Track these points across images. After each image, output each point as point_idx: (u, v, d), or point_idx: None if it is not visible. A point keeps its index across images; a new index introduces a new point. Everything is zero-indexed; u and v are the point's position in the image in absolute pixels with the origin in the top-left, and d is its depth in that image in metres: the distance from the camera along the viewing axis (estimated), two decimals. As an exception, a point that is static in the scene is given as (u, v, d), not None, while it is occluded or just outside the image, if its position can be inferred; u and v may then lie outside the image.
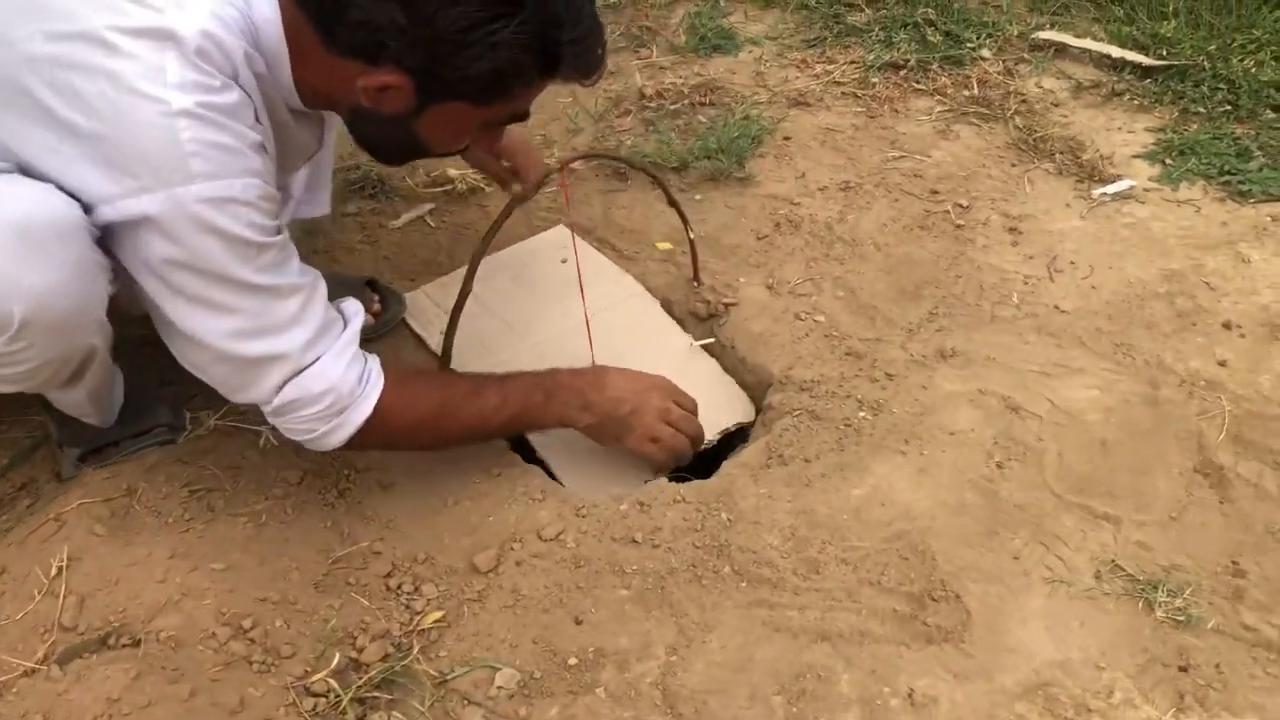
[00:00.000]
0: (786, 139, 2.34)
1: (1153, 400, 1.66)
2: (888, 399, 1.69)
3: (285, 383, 1.32)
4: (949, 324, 1.83)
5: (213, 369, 1.31)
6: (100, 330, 1.34)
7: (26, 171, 1.20)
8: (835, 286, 1.93)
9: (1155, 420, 1.63)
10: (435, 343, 1.82)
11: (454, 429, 1.49)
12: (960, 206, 2.09)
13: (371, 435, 1.40)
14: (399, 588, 1.43)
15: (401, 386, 1.42)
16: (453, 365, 1.63)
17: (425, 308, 1.93)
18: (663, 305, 1.97)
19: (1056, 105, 2.40)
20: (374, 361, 1.41)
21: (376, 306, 1.91)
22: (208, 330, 1.26)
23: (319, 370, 1.33)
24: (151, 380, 1.68)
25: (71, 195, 1.18)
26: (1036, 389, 1.69)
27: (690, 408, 1.61)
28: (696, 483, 1.59)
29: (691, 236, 1.90)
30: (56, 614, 1.27)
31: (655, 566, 1.44)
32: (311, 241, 2.08)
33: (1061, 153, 2.23)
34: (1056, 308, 1.84)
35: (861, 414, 1.67)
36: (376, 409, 1.38)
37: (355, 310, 1.43)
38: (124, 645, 1.24)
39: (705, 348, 1.89)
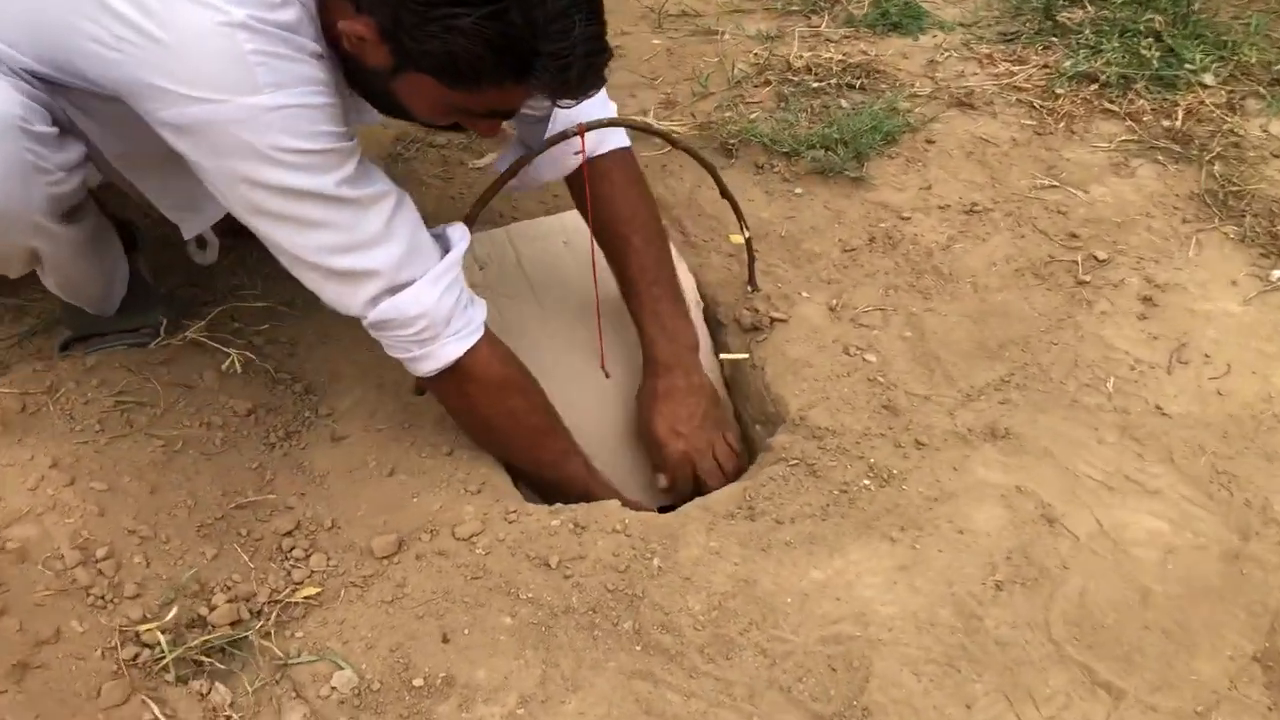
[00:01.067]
0: (929, 142, 2.03)
1: (1235, 554, 1.30)
2: (905, 471, 1.42)
3: (378, 299, 1.30)
4: (1017, 398, 1.51)
5: (308, 278, 1.31)
6: (39, 233, 1.30)
7: (85, 78, 1.21)
8: (905, 324, 1.64)
9: (1227, 580, 1.28)
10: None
11: (520, 424, 1.46)
12: (1095, 260, 1.73)
13: (455, 380, 1.38)
14: (290, 550, 1.34)
15: (498, 345, 1.42)
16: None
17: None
18: (708, 304, 1.75)
19: (1277, 157, 1.95)
20: (479, 307, 1.39)
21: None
22: (295, 244, 1.26)
23: (414, 294, 1.30)
24: (161, 280, 1.66)
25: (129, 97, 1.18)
26: (1088, 502, 1.36)
27: (731, 446, 1.59)
28: (648, 516, 1.40)
29: (747, 236, 1.67)
30: (-78, 498, 1.26)
31: (553, 600, 1.27)
32: (389, 168, 2.00)
33: (1256, 215, 1.80)
34: (1158, 408, 1.48)
35: (865, 482, 1.41)
36: (470, 353, 1.36)
37: (460, 236, 1.39)
38: (-34, 546, 1.22)
39: (734, 363, 1.67)
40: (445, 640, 1.24)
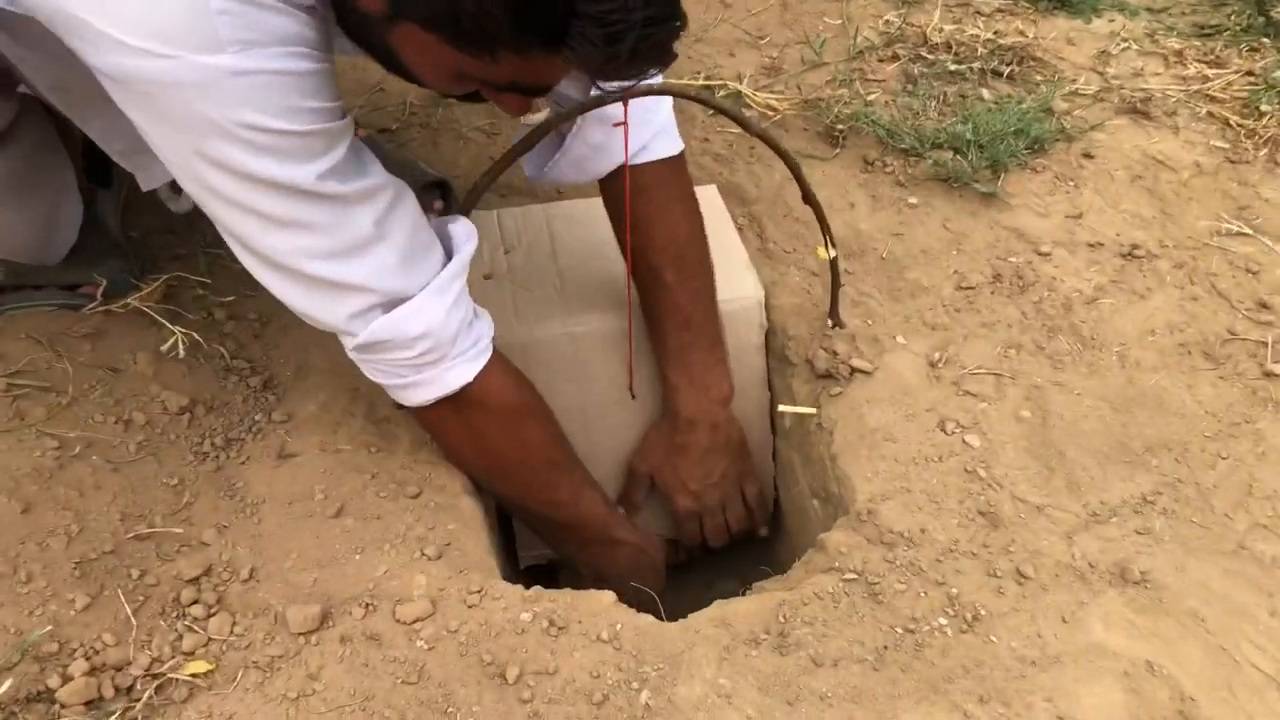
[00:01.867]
0: (1087, 157, 1.62)
1: None
2: (996, 614, 1.06)
3: (367, 314, 1.05)
4: (1162, 529, 1.13)
5: (275, 284, 1.03)
6: None
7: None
8: (1025, 400, 1.27)
9: None
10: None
11: (534, 458, 1.23)
12: (1291, 343, 1.32)
13: (458, 409, 1.14)
14: (189, 606, 1.05)
15: (509, 365, 1.19)
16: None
17: (487, 234, 1.49)
18: (777, 333, 1.40)
19: None
20: (485, 321, 1.15)
21: (435, 214, 1.50)
22: (261, 244, 0.99)
23: (414, 309, 1.05)
24: (133, 224, 1.39)
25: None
26: (1247, 706, 0.98)
27: (749, 503, 1.44)
28: (647, 625, 1.07)
29: (832, 255, 1.30)
30: None
31: (499, 733, 0.96)
32: (408, 121, 1.68)
33: None
34: (1364, 576, 1.08)
35: (942, 621, 1.06)
36: (480, 377, 1.12)
37: (466, 234, 1.13)
38: None
39: (794, 416, 1.32)
40: (350, 769, 0.95)
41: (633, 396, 1.40)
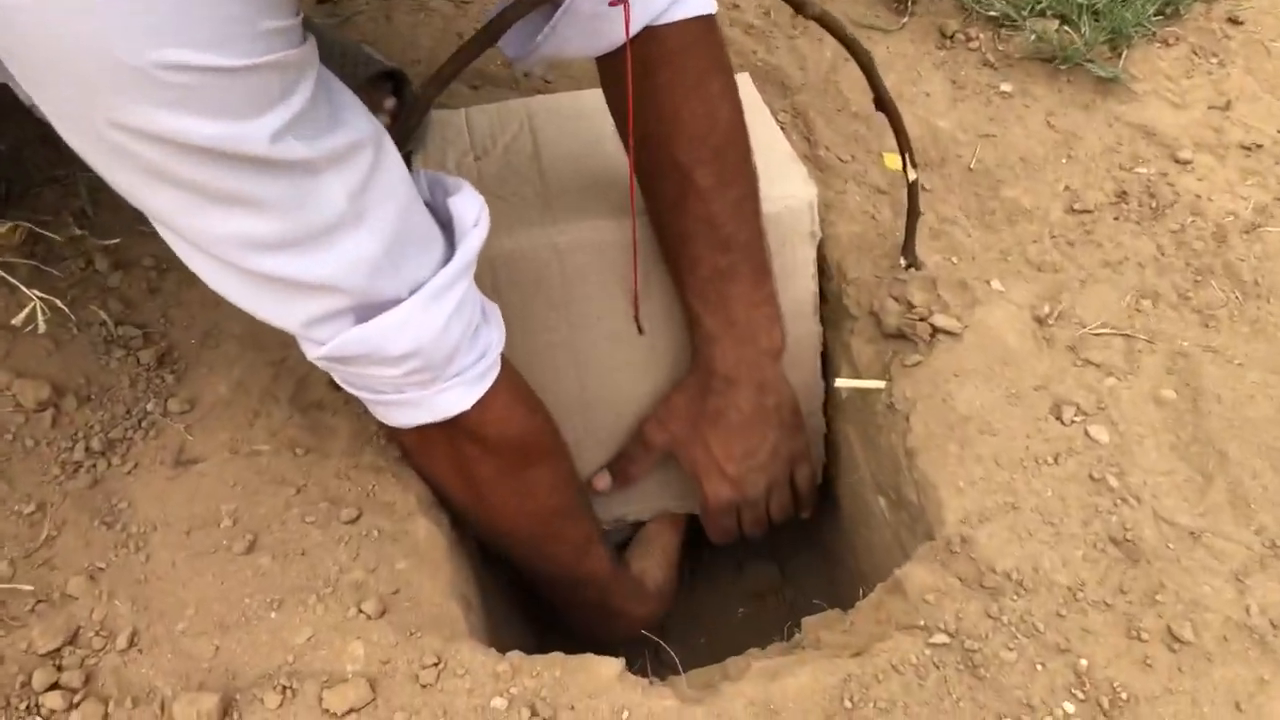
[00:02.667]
0: (1233, 23, 1.25)
1: None
2: (1144, 696, 0.77)
3: (336, 320, 0.76)
4: (1372, 569, 0.83)
5: (216, 280, 0.74)
6: None
7: None
8: (1167, 373, 0.95)
9: None
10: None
11: (537, 505, 0.97)
12: None
13: (450, 438, 0.88)
14: (44, 691, 0.77)
15: (519, 386, 0.92)
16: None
17: (452, 138, 1.15)
18: (833, 275, 1.08)
19: None
20: (494, 327, 0.87)
21: (384, 116, 1.17)
22: (195, 229, 0.70)
23: (402, 318, 0.77)
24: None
25: None
26: None
27: (799, 489, 1.12)
28: (666, 708, 0.79)
29: (913, 178, 0.96)
30: None
31: None
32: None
33: None
34: None
35: (1069, 708, 0.77)
36: (481, 405, 0.85)
37: (473, 210, 0.82)
38: None
39: (854, 392, 1.02)
40: None
41: (640, 330, 1.08)
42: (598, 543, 1.03)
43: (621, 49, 0.87)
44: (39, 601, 0.82)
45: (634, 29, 0.87)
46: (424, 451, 0.91)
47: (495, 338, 0.86)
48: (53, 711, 0.77)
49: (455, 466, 0.90)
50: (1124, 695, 0.77)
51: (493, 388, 0.85)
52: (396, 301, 0.76)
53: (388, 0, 1.33)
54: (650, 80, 0.89)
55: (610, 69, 0.94)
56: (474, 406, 0.84)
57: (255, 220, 0.68)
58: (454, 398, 0.84)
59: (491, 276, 1.03)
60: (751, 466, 1.06)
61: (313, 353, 0.79)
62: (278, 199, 0.68)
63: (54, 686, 0.78)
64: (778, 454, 1.07)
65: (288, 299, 0.74)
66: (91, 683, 0.79)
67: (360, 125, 0.72)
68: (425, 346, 0.79)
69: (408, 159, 1.12)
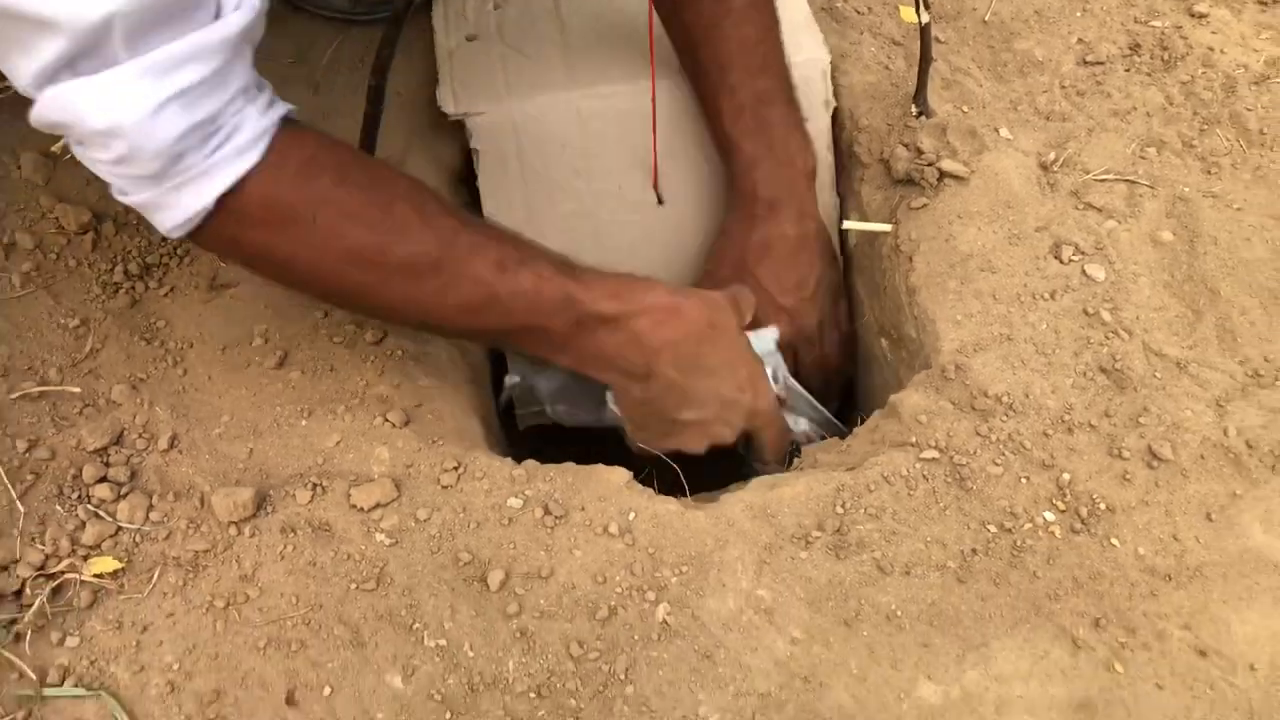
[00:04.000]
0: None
1: None
2: (1122, 508, 0.82)
3: (54, 76, 0.68)
4: (1350, 398, 0.87)
5: None
6: None
7: None
8: (1168, 216, 0.97)
9: None
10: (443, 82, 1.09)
11: (382, 291, 0.82)
12: None
13: (225, 242, 0.79)
14: (94, 484, 0.84)
15: (301, 179, 0.77)
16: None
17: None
18: (845, 125, 1.10)
19: None
20: (249, 110, 0.74)
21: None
22: None
23: (96, 88, 0.67)
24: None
25: None
26: None
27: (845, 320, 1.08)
28: (667, 512, 0.84)
29: (925, 21, 0.98)
30: None
31: (476, 660, 0.76)
32: None
33: None
34: None
35: (1049, 517, 0.82)
36: (229, 201, 0.75)
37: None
38: None
39: (861, 236, 1.05)
40: (290, 702, 0.75)
41: (659, 200, 1.12)
42: (532, 258, 0.85)
43: None
44: (86, 405, 0.88)
45: None
46: (221, 248, 0.83)
47: (248, 121, 0.74)
48: (102, 501, 0.83)
49: (259, 251, 0.80)
50: (1102, 506, 0.82)
51: (251, 173, 0.74)
52: (114, 64, 0.67)
53: None
54: None
55: None
56: (230, 197, 0.74)
57: None
58: (195, 195, 0.74)
59: (515, 138, 1.05)
60: (804, 297, 1.04)
61: (32, 114, 0.70)
62: None
63: (102, 480, 0.84)
64: (824, 284, 1.06)
65: (21, 40, 0.66)
66: (136, 478, 0.85)
67: None
68: (127, 128, 0.69)
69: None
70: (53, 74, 0.67)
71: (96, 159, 0.72)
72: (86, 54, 0.66)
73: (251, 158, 0.74)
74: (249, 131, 0.74)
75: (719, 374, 0.91)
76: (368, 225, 0.79)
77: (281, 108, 0.78)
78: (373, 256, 0.79)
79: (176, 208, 0.74)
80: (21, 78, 0.68)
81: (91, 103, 0.68)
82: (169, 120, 0.70)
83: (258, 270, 0.84)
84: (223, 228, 0.76)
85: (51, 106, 0.69)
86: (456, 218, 0.83)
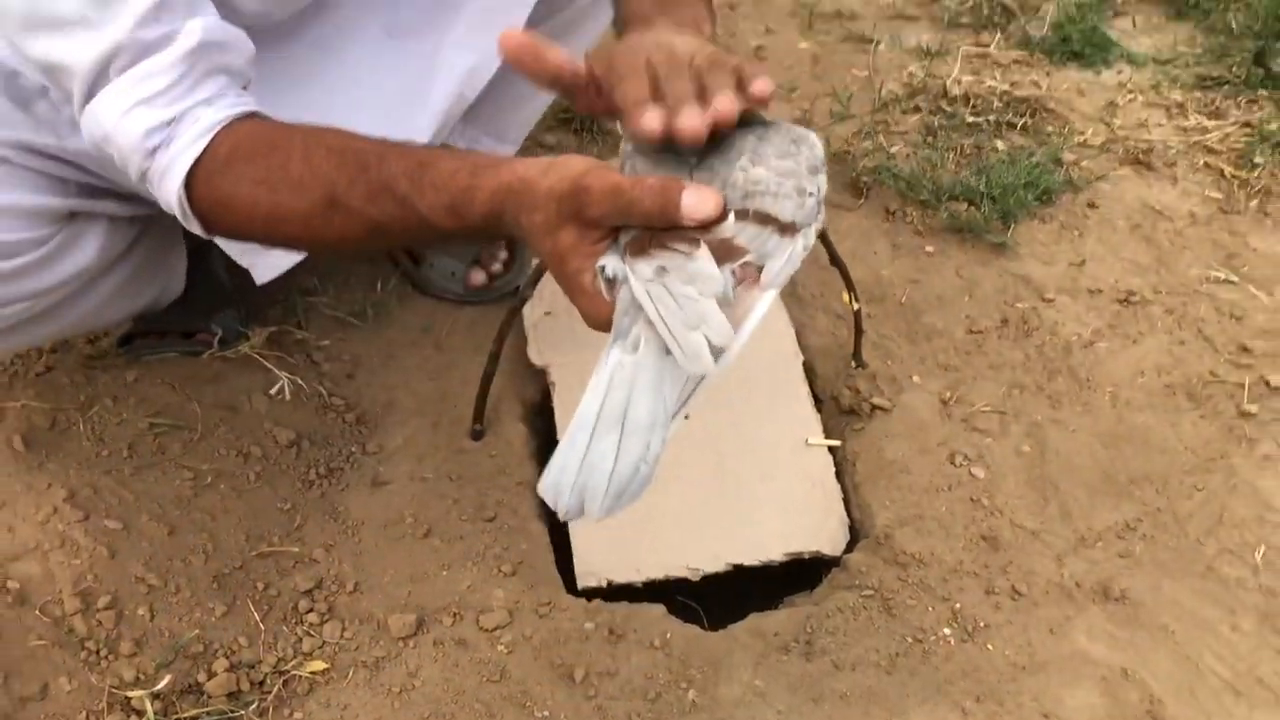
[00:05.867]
0: (1092, 206, 1.78)
1: (1382, 809, 1.08)
2: (994, 625, 1.23)
3: (82, 107, 0.95)
4: (1142, 552, 1.30)
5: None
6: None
7: None
8: (1026, 436, 1.43)
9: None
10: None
11: (305, 236, 0.97)
12: (1266, 386, 1.48)
13: (214, 222, 0.98)
14: (305, 613, 1.24)
15: (227, 167, 0.93)
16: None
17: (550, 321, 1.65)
18: (808, 372, 1.57)
19: None
20: (203, 110, 0.93)
21: (498, 266, 1.68)
22: None
23: (94, 108, 0.94)
24: (234, 280, 1.57)
25: None
26: (1207, 707, 1.15)
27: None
28: (694, 633, 1.25)
29: (856, 308, 1.47)
30: (-68, 519, 1.22)
31: (569, 724, 1.15)
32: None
33: None
34: (1315, 596, 1.25)
35: (946, 631, 1.23)
36: (189, 191, 0.94)
37: (194, 24, 0.93)
38: (-33, 579, 1.16)
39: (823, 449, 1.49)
40: (445, 753, 1.14)
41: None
42: (439, 159, 0.87)
43: None
44: (297, 561, 1.30)
45: None
46: (219, 225, 0.98)
47: (195, 120, 0.92)
48: (312, 624, 1.23)
49: (246, 233, 1.00)
50: (982, 624, 1.23)
51: (195, 168, 0.92)
52: (108, 84, 0.91)
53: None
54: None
55: None
56: (189, 187, 0.93)
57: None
58: (169, 181, 0.93)
59: (580, 379, 1.52)
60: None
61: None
62: None
63: (310, 611, 1.25)
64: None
65: (55, 82, 0.95)
66: (333, 610, 1.26)
67: None
68: (110, 133, 0.92)
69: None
70: (80, 104, 0.94)
71: (129, 175, 0.96)
72: (95, 89, 0.92)
73: (195, 151, 0.92)
74: (198, 128, 0.92)
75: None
76: (269, 188, 0.91)
77: (237, 108, 0.94)
78: (285, 214, 0.92)
79: (170, 200, 0.94)
80: (75, 113, 0.95)
81: (91, 124, 0.93)
82: (136, 119, 0.91)
83: (254, 240, 1.04)
84: (200, 210, 0.96)
85: (85, 128, 0.95)
86: (339, 160, 0.90)
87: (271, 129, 0.95)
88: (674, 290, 0.72)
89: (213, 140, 0.92)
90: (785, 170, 0.79)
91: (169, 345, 1.48)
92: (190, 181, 0.93)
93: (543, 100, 1.61)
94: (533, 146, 1.86)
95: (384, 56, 1.34)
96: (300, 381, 1.46)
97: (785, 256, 0.76)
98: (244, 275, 1.35)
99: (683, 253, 0.73)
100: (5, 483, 1.25)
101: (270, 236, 0.99)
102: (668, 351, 0.72)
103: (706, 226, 0.73)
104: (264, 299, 1.62)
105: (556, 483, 0.73)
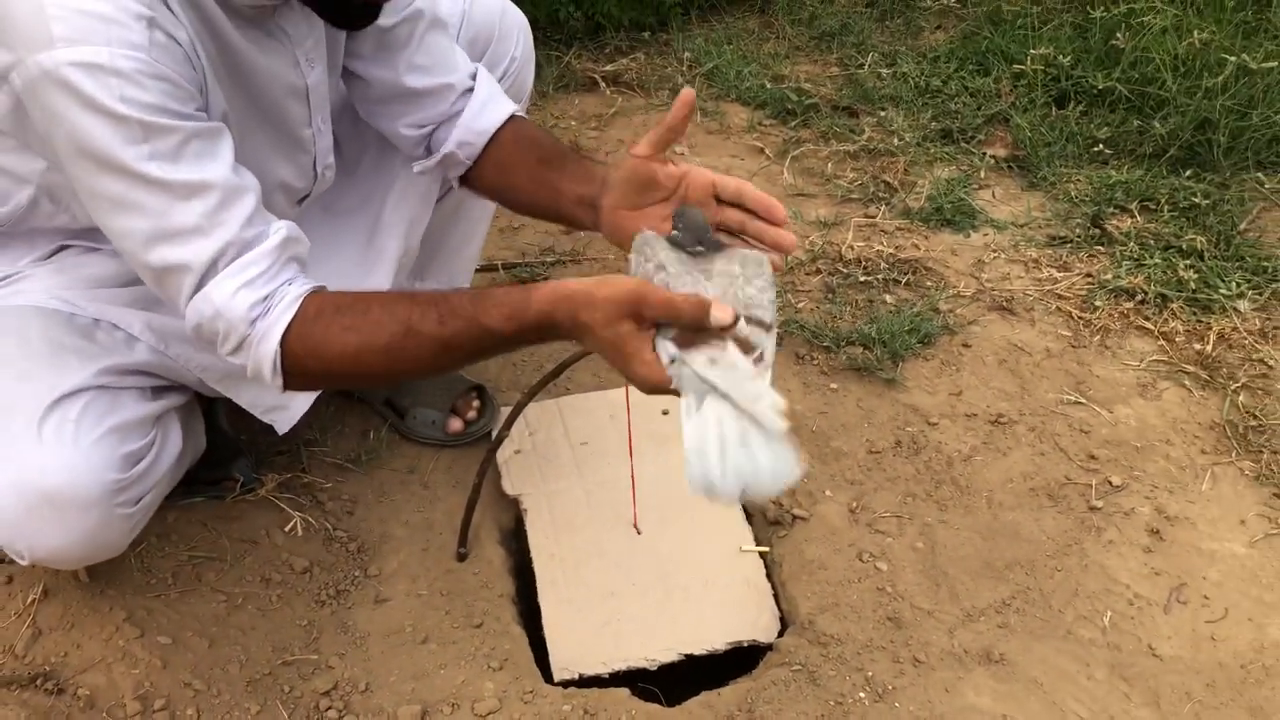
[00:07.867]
0: (965, 346, 2.14)
1: (1208, 810, 1.36)
2: (899, 688, 1.50)
3: (192, 297, 1.18)
4: (1016, 623, 1.59)
5: (142, 275, 1.22)
6: (122, 545, 1.40)
7: None
8: (919, 535, 1.74)
9: (1198, 837, 1.33)
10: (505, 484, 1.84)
11: (384, 365, 1.21)
12: (1109, 485, 1.81)
13: (299, 373, 1.21)
14: (325, 710, 1.47)
15: (316, 321, 1.19)
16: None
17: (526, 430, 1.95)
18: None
19: (1304, 390, 2.01)
20: (289, 287, 1.19)
21: (472, 413, 1.96)
22: (115, 229, 1.17)
23: (206, 294, 1.17)
24: (238, 426, 1.83)
25: None
26: (1071, 741, 1.43)
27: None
28: (657, 709, 1.50)
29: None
30: (14, 640, 1.43)
31: (556, 786, 1.38)
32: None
33: (1275, 453, 1.86)
34: (1150, 648, 1.54)
35: (862, 695, 1.50)
36: (284, 347, 1.18)
37: (278, 225, 1.21)
38: (46, 689, 1.37)
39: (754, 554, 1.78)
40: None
41: (638, 532, 1.83)
42: (468, 302, 1.16)
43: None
44: (315, 668, 1.52)
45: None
46: (314, 382, 1.30)
47: (285, 292, 1.18)
48: (326, 716, 1.46)
49: (332, 381, 1.40)
50: (890, 688, 1.50)
51: (288, 330, 1.17)
52: (216, 275, 1.16)
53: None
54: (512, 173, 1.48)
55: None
56: (283, 347, 1.17)
57: (138, 219, 1.13)
58: (269, 343, 1.17)
59: (549, 508, 1.80)
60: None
61: (189, 329, 1.20)
62: (153, 206, 1.12)
63: (330, 709, 1.47)
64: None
65: (169, 286, 1.18)
66: (349, 707, 1.48)
67: (221, 172, 1.15)
68: (221, 310, 1.16)
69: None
70: (191, 296, 1.17)
71: (224, 353, 1.20)
72: (206, 281, 1.17)
73: (289, 314, 1.18)
74: (290, 299, 1.18)
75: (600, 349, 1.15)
76: (355, 331, 1.18)
77: (310, 284, 1.21)
78: (370, 347, 1.18)
79: (264, 359, 1.18)
80: (179, 308, 1.19)
81: (206, 307, 1.17)
82: (241, 298, 1.16)
83: (330, 382, 1.38)
84: (291, 363, 1.19)
85: (193, 321, 1.18)
86: (410, 301, 1.19)
87: (344, 292, 1.23)
88: (730, 375, 1.05)
89: (301, 305, 1.18)
90: (761, 286, 1.14)
91: (197, 492, 1.73)
92: (284, 339, 1.17)
93: (476, 244, 1.97)
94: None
95: (331, 229, 1.67)
96: (309, 518, 1.71)
97: (771, 346, 1.10)
98: (248, 428, 1.63)
99: (719, 348, 1.07)
100: (74, 608, 1.48)
101: (354, 370, 1.21)
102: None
103: (725, 330, 1.07)
104: (270, 448, 1.88)
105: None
